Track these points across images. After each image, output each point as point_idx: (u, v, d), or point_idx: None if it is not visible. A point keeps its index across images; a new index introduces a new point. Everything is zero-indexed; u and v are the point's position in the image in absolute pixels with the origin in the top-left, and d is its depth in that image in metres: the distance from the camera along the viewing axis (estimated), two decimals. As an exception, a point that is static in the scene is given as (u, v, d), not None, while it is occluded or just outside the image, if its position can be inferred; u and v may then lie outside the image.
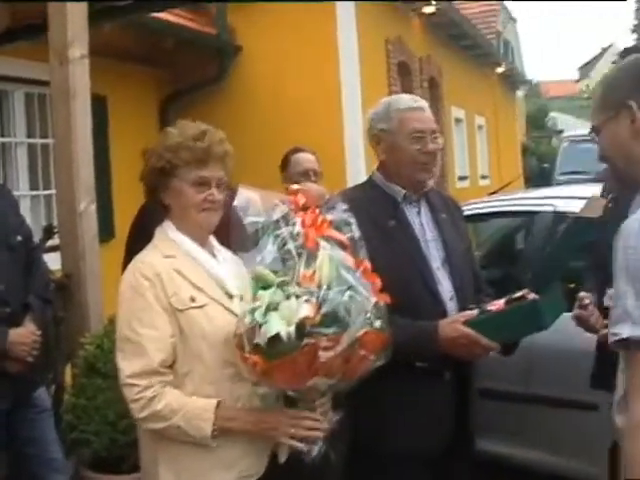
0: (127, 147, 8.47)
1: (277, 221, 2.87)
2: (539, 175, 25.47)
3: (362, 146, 10.34)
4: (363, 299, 2.77)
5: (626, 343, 2.23)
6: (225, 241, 3.18)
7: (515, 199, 7.01)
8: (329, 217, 2.96)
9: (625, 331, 2.21)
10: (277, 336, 2.63)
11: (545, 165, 27.86)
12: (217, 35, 10.86)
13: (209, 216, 3.09)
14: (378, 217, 3.56)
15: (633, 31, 73.30)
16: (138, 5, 7.20)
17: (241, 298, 2.93)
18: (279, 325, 2.64)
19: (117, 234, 8.69)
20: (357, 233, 2.96)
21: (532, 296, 3.45)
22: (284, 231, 2.84)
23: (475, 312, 3.48)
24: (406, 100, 3.72)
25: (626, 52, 4.38)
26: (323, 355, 2.66)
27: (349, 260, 2.86)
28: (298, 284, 2.73)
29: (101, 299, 5.30)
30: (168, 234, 3.09)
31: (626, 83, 2.48)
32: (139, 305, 2.92)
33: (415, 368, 3.49)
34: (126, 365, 2.91)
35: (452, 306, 3.57)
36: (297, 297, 2.69)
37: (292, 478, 3.08)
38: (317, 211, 2.96)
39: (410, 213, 3.65)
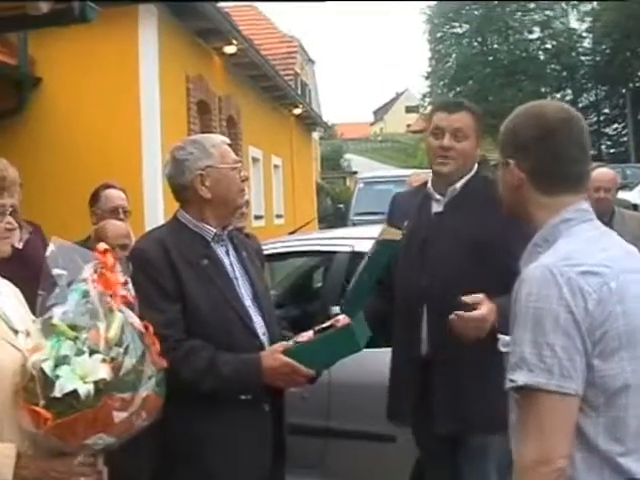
0: None
1: (84, 279, 2.89)
2: (334, 215, 26.08)
3: (160, 181, 10.35)
4: (149, 364, 2.83)
5: (520, 389, 2.31)
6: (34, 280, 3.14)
7: (313, 239, 7.19)
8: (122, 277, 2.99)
9: (521, 378, 2.29)
10: (73, 392, 2.63)
11: (340, 205, 28.52)
12: (17, 66, 10.67)
13: (7, 244, 3.01)
14: (191, 256, 3.60)
15: (426, 78, 75.84)
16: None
17: (27, 334, 2.88)
18: (75, 381, 2.64)
19: None
20: (133, 293, 2.98)
21: (344, 322, 3.59)
22: (92, 290, 2.86)
23: (290, 343, 3.60)
24: (214, 137, 3.87)
25: (459, 105, 4.59)
26: (117, 415, 2.70)
27: (138, 323, 2.90)
28: (87, 340, 2.73)
29: None
30: None
31: (510, 138, 2.61)
32: None
33: (238, 401, 3.56)
34: None
35: (265, 340, 3.66)
36: (90, 354, 2.70)
37: None
38: (117, 270, 2.98)
39: (220, 252, 3.72)
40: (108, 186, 5.98)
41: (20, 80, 10.84)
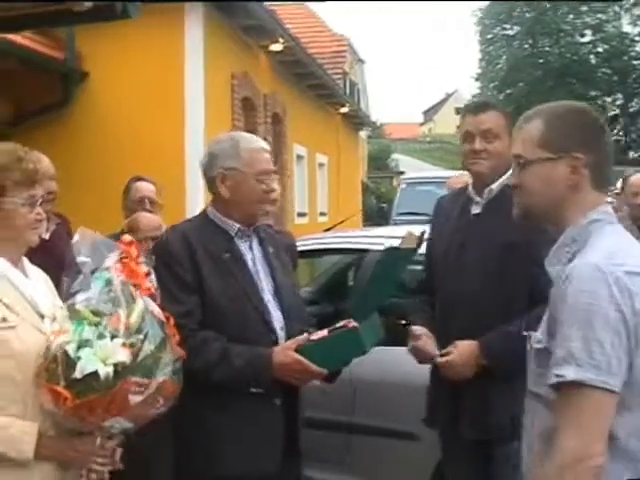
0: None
1: (107, 268, 2.98)
2: (377, 214, 26.11)
3: (202, 177, 10.45)
4: (168, 352, 2.93)
5: (567, 385, 2.32)
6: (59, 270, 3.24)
7: (349, 237, 7.23)
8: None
9: (570, 374, 2.30)
10: (93, 374, 2.74)
11: (383, 205, 28.54)
12: (64, 60, 10.82)
13: (36, 235, 3.13)
14: (213, 250, 3.68)
15: (476, 79, 75.49)
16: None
17: (53, 318, 3.02)
18: (95, 363, 2.75)
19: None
20: (155, 284, 3.09)
21: (352, 324, 3.64)
22: (115, 279, 2.95)
23: (304, 339, 3.66)
24: (253, 140, 3.87)
25: (485, 105, 4.55)
26: (133, 398, 2.81)
27: (158, 312, 3.00)
28: (108, 326, 2.84)
29: None
30: None
31: (574, 132, 2.56)
32: None
33: (249, 394, 3.62)
34: None
35: (282, 335, 3.72)
36: (112, 338, 2.81)
37: None
38: (142, 262, 3.07)
39: (243, 247, 3.79)
40: (139, 179, 6.12)
41: (67, 74, 10.99)
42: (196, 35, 11.31)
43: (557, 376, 2.34)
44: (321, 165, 22.13)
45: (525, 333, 2.67)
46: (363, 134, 35.19)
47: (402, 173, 37.79)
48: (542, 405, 2.49)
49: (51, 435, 2.96)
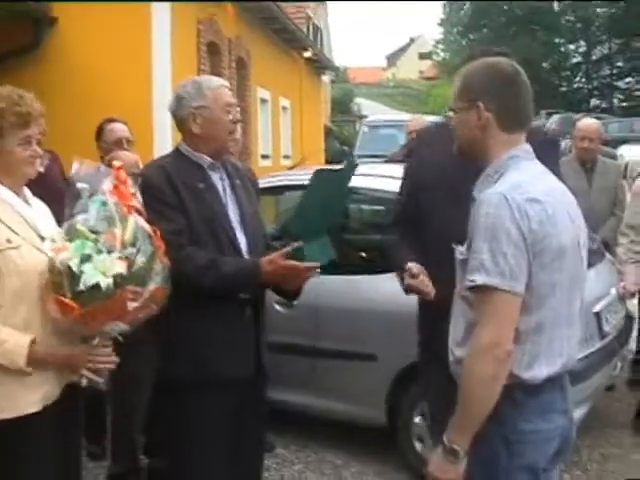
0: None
1: (103, 192, 3.42)
2: (339, 157, 26.44)
3: (169, 120, 10.73)
4: (158, 262, 3.39)
5: (478, 288, 2.85)
6: (54, 199, 3.70)
7: (308, 174, 7.63)
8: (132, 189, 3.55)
9: (480, 279, 2.83)
10: (96, 285, 3.17)
11: (345, 148, 28.87)
12: (33, 5, 11.01)
13: (33, 168, 3.56)
14: (189, 181, 4.10)
15: (440, 24, 75.53)
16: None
17: (52, 240, 3.44)
18: (97, 276, 3.18)
19: None
20: (141, 201, 3.57)
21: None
22: (110, 200, 3.38)
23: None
24: (214, 80, 4.33)
25: (481, 52, 4.88)
26: (130, 304, 3.27)
27: (147, 227, 3.44)
28: (105, 242, 3.27)
29: None
30: None
31: (479, 84, 3.08)
32: None
33: (223, 304, 4.05)
34: None
35: (248, 257, 4.17)
36: (109, 253, 3.25)
37: (79, 400, 3.68)
38: (129, 184, 3.51)
39: (215, 178, 4.22)
40: (111, 120, 6.45)
41: (37, 18, 11.20)
42: (161, -20, 11.51)
43: (470, 281, 2.88)
44: (284, 109, 22.37)
45: (453, 246, 3.17)
46: (326, 78, 35.38)
47: (365, 117, 38.07)
48: (467, 305, 3.03)
49: (53, 345, 3.41)
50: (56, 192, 4.01)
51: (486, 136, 3.08)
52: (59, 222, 3.61)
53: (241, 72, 16.47)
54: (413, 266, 4.01)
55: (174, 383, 4.10)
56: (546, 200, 2.89)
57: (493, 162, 3.07)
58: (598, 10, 66.14)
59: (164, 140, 10.59)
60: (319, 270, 4.08)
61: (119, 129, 6.41)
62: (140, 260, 3.29)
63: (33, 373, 3.36)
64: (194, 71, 12.63)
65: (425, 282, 3.97)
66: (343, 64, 66.91)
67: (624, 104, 63.46)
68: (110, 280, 3.19)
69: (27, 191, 3.65)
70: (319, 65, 28.07)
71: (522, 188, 2.89)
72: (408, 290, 4.08)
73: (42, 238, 3.48)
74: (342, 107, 53.10)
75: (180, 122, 4.25)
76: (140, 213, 3.48)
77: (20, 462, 3.39)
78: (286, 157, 21.76)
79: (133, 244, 3.31)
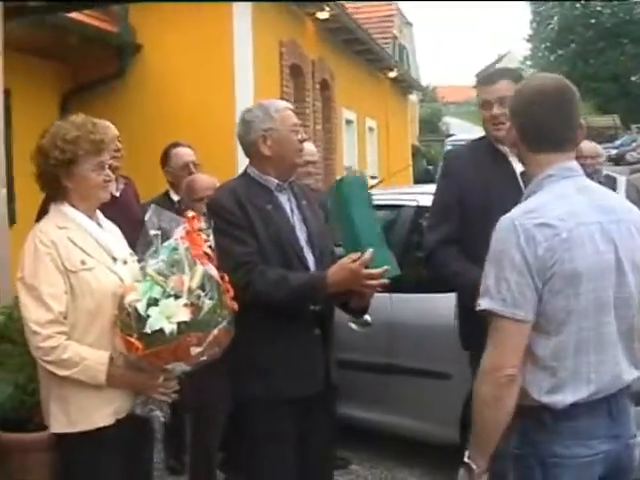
0: (29, 139, 8.75)
1: (175, 238, 3.58)
2: (424, 176, 26.43)
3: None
4: (223, 308, 3.52)
5: (485, 312, 2.91)
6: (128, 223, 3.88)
7: (385, 194, 7.72)
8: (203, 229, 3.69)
9: (484, 304, 2.90)
10: (160, 330, 3.33)
11: (429, 167, 28.81)
12: (119, 33, 11.29)
13: (107, 192, 3.77)
14: (258, 202, 4.24)
15: (528, 40, 74.98)
16: (51, 6, 7.67)
17: (124, 262, 3.66)
18: (162, 321, 3.34)
19: (17, 220, 9.16)
20: (211, 238, 3.70)
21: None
22: (181, 247, 3.53)
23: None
24: (279, 103, 4.48)
25: (493, 76, 4.97)
26: (193, 349, 3.42)
27: (215, 273, 3.57)
28: (173, 287, 3.43)
29: (9, 276, 5.70)
30: (62, 210, 3.71)
31: (510, 105, 3.19)
32: (38, 266, 3.54)
33: (293, 325, 4.16)
34: (29, 315, 3.51)
35: None
36: (175, 298, 3.40)
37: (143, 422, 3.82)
38: (201, 233, 3.65)
39: (282, 199, 4.35)
40: (175, 145, 6.58)
41: (122, 47, 11.49)
42: (244, 4, 11.74)
43: (478, 305, 2.94)
44: (371, 129, 22.45)
45: None
46: (413, 98, 35.29)
47: (452, 136, 37.90)
48: None
49: (120, 366, 3.56)
50: (130, 215, 4.21)
51: (521, 155, 3.16)
52: (132, 245, 3.80)
53: (325, 93, 16.60)
54: None
55: (247, 402, 4.24)
56: (561, 224, 2.87)
57: (532, 182, 3.10)
58: (688, 20, 65.05)
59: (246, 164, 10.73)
60: (387, 281, 4.10)
61: (185, 153, 6.54)
62: (206, 307, 3.42)
63: (107, 388, 3.53)
64: (277, 94, 12.85)
65: None
66: (432, 83, 66.73)
67: None
68: (174, 326, 3.33)
69: (100, 214, 3.82)
70: (405, 85, 28.13)
71: (536, 212, 2.90)
72: None
73: (115, 259, 3.67)
74: (430, 126, 53.03)
75: (249, 146, 4.38)
76: (210, 258, 3.60)
77: (92, 473, 3.54)
78: (373, 177, 21.76)
79: (201, 291, 3.44)
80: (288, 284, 4.05)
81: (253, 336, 4.04)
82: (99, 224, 3.79)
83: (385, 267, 4.03)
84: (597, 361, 2.94)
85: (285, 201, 4.35)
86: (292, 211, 4.35)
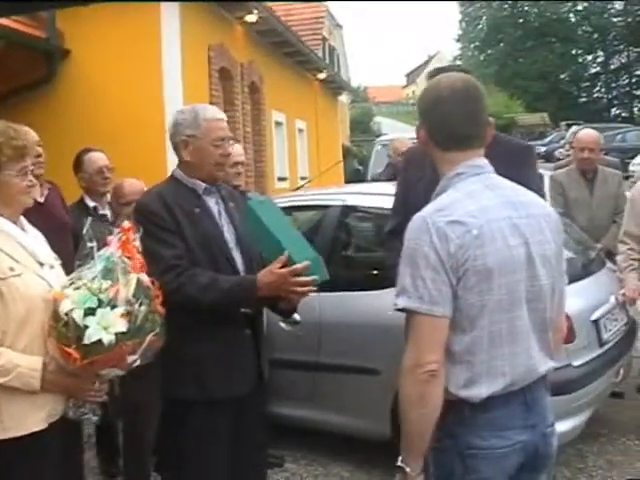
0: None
1: (109, 248, 3.59)
2: (354, 176, 26.55)
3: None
4: (155, 314, 3.55)
5: (404, 311, 2.95)
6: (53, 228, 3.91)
7: (312, 194, 7.80)
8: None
9: (401, 302, 2.91)
10: (98, 341, 3.35)
11: (359, 167, 28.99)
12: (46, 38, 11.25)
13: (30, 197, 3.75)
14: (185, 206, 4.27)
15: (457, 40, 75.64)
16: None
17: (51, 266, 3.69)
18: (100, 332, 3.36)
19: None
20: (138, 243, 3.69)
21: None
22: (115, 256, 3.54)
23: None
24: (211, 111, 4.44)
25: (436, 71, 5.06)
26: (129, 358, 3.46)
27: (147, 280, 3.60)
28: (108, 296, 3.45)
29: None
30: None
31: (419, 104, 3.21)
32: None
33: (227, 325, 4.21)
34: None
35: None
36: (112, 307, 3.42)
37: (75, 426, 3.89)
38: (135, 242, 3.66)
39: (210, 202, 4.39)
40: (88, 150, 6.54)
41: (50, 52, 11.45)
42: (172, 9, 11.76)
43: (395, 304, 2.97)
44: (300, 130, 22.54)
45: None
46: (343, 99, 35.45)
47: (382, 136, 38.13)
48: None
49: (52, 370, 3.55)
50: (55, 220, 4.21)
51: (431, 154, 3.19)
52: (56, 250, 3.84)
53: (254, 96, 16.67)
54: None
55: (177, 403, 4.28)
56: (472, 221, 2.91)
57: (441, 180, 3.14)
58: (614, 19, 66.09)
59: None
60: (314, 288, 4.17)
61: (98, 157, 6.47)
62: (140, 315, 3.46)
63: (39, 392, 3.54)
64: (206, 97, 12.88)
65: None
66: (363, 84, 67.00)
67: (644, 112, 63.41)
68: (112, 337, 3.36)
69: (23, 219, 3.83)
70: (335, 86, 28.26)
71: (447, 210, 2.94)
72: None
73: (41, 264, 3.67)
74: (362, 126, 53.21)
75: (174, 147, 4.42)
76: (142, 265, 3.64)
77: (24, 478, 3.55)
78: (303, 178, 21.86)
79: (135, 300, 3.48)
80: (218, 287, 4.10)
81: (183, 338, 4.06)
82: (23, 229, 3.81)
83: (314, 277, 4.08)
84: (511, 354, 2.99)
85: (213, 204, 4.39)
86: (220, 214, 4.39)
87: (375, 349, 5.93)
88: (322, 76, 24.45)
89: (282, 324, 6.15)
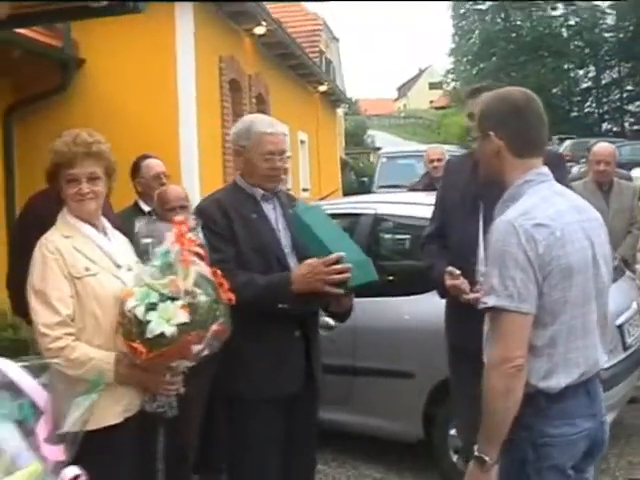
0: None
1: (167, 243, 3.76)
2: (358, 188, 26.73)
3: (196, 156, 11.20)
4: (219, 304, 3.71)
5: (491, 309, 3.15)
6: None
7: (342, 203, 7.98)
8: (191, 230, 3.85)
9: (491, 301, 3.13)
10: (161, 334, 3.51)
11: (364, 179, 29.18)
12: (61, 47, 11.31)
13: (81, 205, 3.90)
14: (243, 211, 4.45)
15: (450, 54, 75.77)
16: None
17: (129, 268, 3.85)
18: (162, 325, 3.52)
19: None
20: (201, 236, 3.86)
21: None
22: (172, 251, 3.71)
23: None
24: (265, 124, 4.56)
25: (477, 90, 5.25)
26: (194, 348, 3.63)
27: (208, 271, 3.77)
28: (169, 290, 3.61)
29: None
30: (66, 219, 3.92)
31: (490, 115, 3.40)
32: (46, 272, 3.72)
33: (277, 325, 4.36)
34: (39, 318, 3.69)
35: None
36: (172, 300, 3.58)
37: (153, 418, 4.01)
38: (188, 232, 3.81)
39: (267, 209, 4.56)
40: (146, 156, 6.71)
41: (64, 61, 11.51)
42: (186, 22, 11.84)
43: (483, 303, 3.20)
44: (302, 142, 22.62)
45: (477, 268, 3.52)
46: (340, 111, 35.62)
47: (379, 149, 38.33)
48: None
49: (126, 364, 3.73)
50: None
51: (501, 163, 3.36)
52: None
53: (261, 107, 16.73)
54: (453, 269, 4.51)
55: (232, 401, 4.47)
56: (553, 223, 3.15)
57: (510, 187, 3.34)
58: (606, 35, 66.38)
59: (191, 175, 10.99)
60: (359, 289, 4.35)
61: (156, 164, 6.67)
62: (203, 305, 3.61)
63: (116, 386, 3.71)
64: (218, 108, 13.07)
65: (464, 282, 4.45)
66: (354, 96, 67.14)
67: (635, 127, 63.53)
68: (174, 329, 3.51)
69: (106, 223, 4.01)
70: (334, 98, 28.40)
71: (530, 214, 3.16)
72: (449, 291, 4.55)
73: (119, 266, 3.86)
74: (356, 139, 53.38)
75: (234, 154, 4.61)
76: (202, 257, 3.80)
77: (102, 471, 3.66)
78: (305, 190, 21.96)
79: (195, 292, 3.63)
80: (255, 283, 4.26)
81: (239, 334, 4.10)
82: (105, 232, 3.96)
83: (348, 265, 4.18)
84: (583, 346, 3.23)
85: (270, 210, 4.55)
86: (277, 220, 4.55)
87: (409, 353, 6.08)
88: (323, 88, 24.56)
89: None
